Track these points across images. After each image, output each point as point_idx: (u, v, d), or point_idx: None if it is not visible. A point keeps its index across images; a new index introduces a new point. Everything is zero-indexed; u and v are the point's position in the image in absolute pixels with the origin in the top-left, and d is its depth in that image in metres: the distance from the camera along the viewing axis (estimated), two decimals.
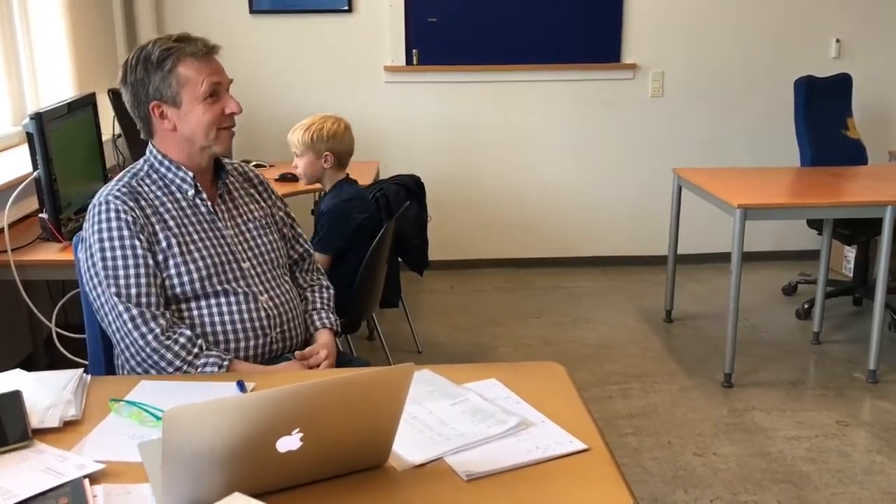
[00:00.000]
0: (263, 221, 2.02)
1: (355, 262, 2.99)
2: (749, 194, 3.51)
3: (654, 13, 4.85)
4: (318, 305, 2.11)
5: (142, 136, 1.94)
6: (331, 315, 2.11)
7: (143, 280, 1.80)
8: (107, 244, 1.80)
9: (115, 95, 3.58)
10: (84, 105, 3.08)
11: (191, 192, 1.90)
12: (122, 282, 1.79)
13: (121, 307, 1.78)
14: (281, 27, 4.74)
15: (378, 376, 1.29)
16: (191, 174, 1.90)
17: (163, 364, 1.79)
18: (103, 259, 1.80)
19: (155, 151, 1.91)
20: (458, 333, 4.15)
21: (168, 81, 1.83)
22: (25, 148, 2.73)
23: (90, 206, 1.86)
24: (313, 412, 1.21)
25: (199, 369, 1.79)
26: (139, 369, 1.82)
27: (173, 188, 1.90)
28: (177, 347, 1.79)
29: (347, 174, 3.14)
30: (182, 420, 1.13)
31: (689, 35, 4.90)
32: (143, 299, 1.80)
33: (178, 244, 1.85)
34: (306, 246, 2.17)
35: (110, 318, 1.81)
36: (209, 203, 1.93)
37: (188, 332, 1.82)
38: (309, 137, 3.04)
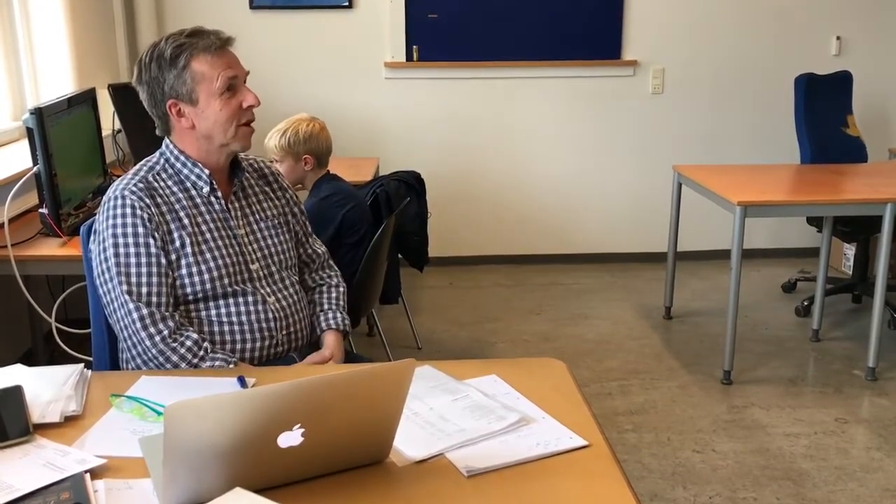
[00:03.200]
0: (276, 221, 2.00)
1: (354, 259, 2.99)
2: (749, 191, 3.51)
3: (655, 10, 4.85)
4: (326, 307, 2.09)
5: (158, 132, 1.91)
6: (338, 315, 2.08)
7: (154, 279, 1.79)
8: (120, 240, 1.78)
9: (115, 91, 3.58)
10: (84, 100, 3.08)
11: (206, 190, 1.88)
12: (133, 279, 1.78)
13: (131, 305, 1.77)
14: (281, 23, 4.74)
15: (379, 372, 1.29)
16: (206, 171, 1.87)
17: (168, 366, 1.78)
18: (116, 255, 1.78)
19: (171, 146, 1.89)
20: (457, 329, 4.15)
21: (183, 79, 1.80)
22: (25, 143, 2.73)
23: (105, 199, 1.84)
24: (314, 408, 1.21)
25: (209, 364, 1.79)
26: (144, 368, 1.81)
27: (188, 184, 1.88)
28: (183, 350, 1.78)
29: (328, 171, 3.13)
30: (184, 415, 1.13)
31: (690, 32, 4.90)
32: (154, 298, 1.78)
33: (192, 244, 1.83)
34: (315, 246, 2.15)
35: (119, 314, 1.79)
36: (223, 201, 1.90)
37: (195, 335, 1.81)
38: (286, 142, 3.01)
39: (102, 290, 1.82)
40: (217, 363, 1.79)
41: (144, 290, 1.78)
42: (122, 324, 1.79)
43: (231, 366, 1.80)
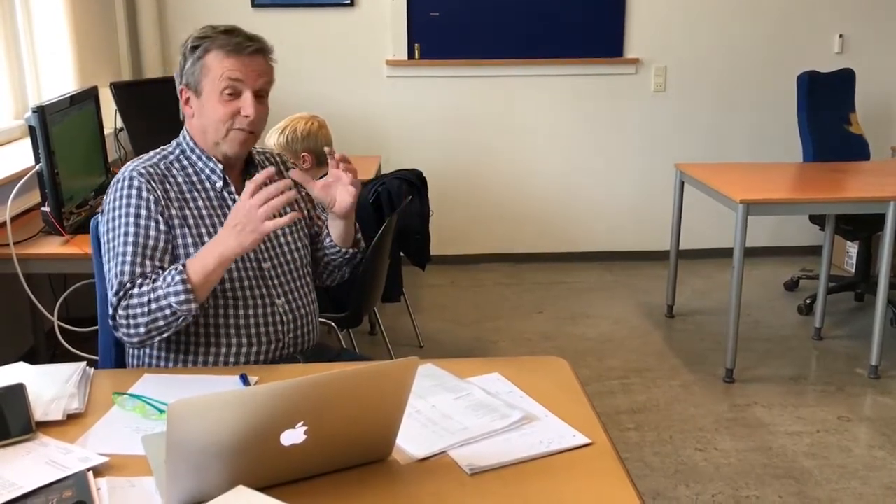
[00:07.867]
0: None
1: None
2: (751, 189, 3.51)
3: (657, 8, 4.85)
4: None
5: (181, 117, 1.92)
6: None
7: (148, 267, 1.74)
8: (121, 220, 1.76)
9: (117, 89, 3.58)
10: (86, 99, 3.08)
11: (219, 185, 1.87)
12: (127, 268, 1.73)
13: (113, 295, 1.74)
14: (283, 21, 4.73)
15: (382, 370, 1.29)
16: (220, 166, 1.86)
17: (136, 312, 1.69)
18: (115, 238, 1.76)
19: (188, 137, 1.89)
20: (459, 328, 4.15)
21: (195, 68, 1.82)
22: (27, 141, 2.72)
23: (114, 180, 1.82)
24: (317, 405, 1.21)
25: (164, 289, 1.67)
26: (132, 348, 1.80)
27: (203, 177, 1.87)
28: (136, 291, 1.70)
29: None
30: (186, 413, 1.13)
31: (692, 30, 4.90)
32: (139, 270, 1.74)
33: (194, 235, 1.80)
34: (323, 215, 2.09)
35: (109, 294, 1.76)
36: (237, 197, 1.86)
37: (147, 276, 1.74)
38: (284, 140, 3.02)
39: (106, 267, 1.79)
40: (171, 274, 1.68)
41: (138, 269, 1.73)
42: (108, 306, 1.75)
43: (181, 267, 1.69)
